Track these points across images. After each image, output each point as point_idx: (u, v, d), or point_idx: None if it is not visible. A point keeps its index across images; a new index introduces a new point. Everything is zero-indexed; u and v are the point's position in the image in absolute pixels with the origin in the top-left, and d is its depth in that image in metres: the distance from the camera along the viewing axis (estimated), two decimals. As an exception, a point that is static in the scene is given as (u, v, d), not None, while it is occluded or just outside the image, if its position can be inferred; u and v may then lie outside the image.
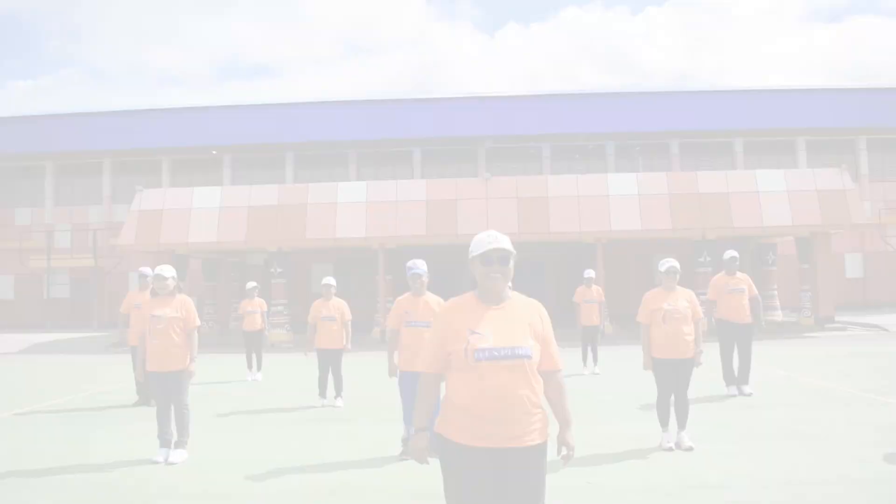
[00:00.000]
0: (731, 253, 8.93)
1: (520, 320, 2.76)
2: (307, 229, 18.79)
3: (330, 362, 8.24)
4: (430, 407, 2.84)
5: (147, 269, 8.59)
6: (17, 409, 8.50)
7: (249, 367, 11.02)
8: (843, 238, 25.65)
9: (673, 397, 5.81)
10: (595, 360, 10.71)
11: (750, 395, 8.37)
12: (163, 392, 5.71)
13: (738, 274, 8.87)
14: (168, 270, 5.83)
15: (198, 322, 5.85)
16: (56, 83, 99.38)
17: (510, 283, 2.93)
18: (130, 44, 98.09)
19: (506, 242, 2.80)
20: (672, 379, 5.76)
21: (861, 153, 26.94)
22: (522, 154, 27.32)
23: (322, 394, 8.33)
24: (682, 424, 5.77)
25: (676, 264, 5.92)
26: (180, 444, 5.72)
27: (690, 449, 5.60)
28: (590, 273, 10.93)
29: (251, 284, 11.22)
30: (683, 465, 5.22)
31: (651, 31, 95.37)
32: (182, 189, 20.67)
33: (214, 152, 27.48)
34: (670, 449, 5.63)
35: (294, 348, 17.90)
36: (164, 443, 5.71)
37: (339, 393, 8.29)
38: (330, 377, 8.34)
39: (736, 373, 8.67)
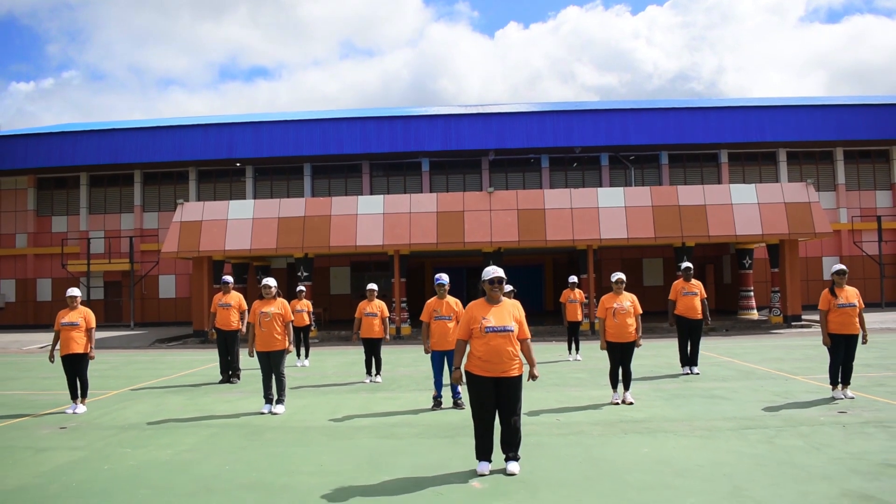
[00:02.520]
0: (686, 264, 11.30)
1: (508, 312, 5.30)
2: (331, 238, 21.22)
3: (372, 348, 10.69)
4: (461, 356, 5.37)
5: (228, 278, 11.19)
6: (130, 387, 10.97)
7: (298, 355, 13.54)
8: (822, 243, 27.96)
9: (620, 369, 8.26)
10: (577, 348, 13.21)
11: (697, 374, 10.75)
12: (267, 365, 8.20)
13: (692, 280, 11.24)
14: (272, 281, 8.34)
15: (292, 317, 8.34)
16: (57, 85, 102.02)
17: (514, 289, 5.55)
18: (130, 47, 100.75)
19: (501, 272, 5.33)
20: (620, 356, 8.21)
21: (838, 164, 29.08)
22: (523, 164, 29.74)
23: (368, 372, 10.80)
24: (626, 387, 8.24)
25: (622, 276, 8.42)
26: (280, 401, 8.24)
27: (631, 404, 8.05)
28: (573, 279, 13.42)
29: (300, 288, 13.70)
30: (622, 411, 7.72)
31: (651, 30, 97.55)
32: (219, 202, 23.07)
33: (238, 164, 29.87)
34: (617, 403, 8.11)
35: (320, 343, 20.38)
36: (268, 400, 8.22)
37: (378, 371, 10.78)
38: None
39: (689, 356, 11.06)
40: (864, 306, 8.45)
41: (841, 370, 8.24)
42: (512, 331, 5.27)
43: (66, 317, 8.71)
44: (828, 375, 8.39)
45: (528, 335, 5.43)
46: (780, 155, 28.97)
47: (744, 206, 21.15)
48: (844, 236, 28.31)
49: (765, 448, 5.86)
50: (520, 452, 5.42)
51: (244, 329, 11.03)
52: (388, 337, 10.71)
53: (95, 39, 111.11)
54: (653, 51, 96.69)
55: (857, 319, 8.25)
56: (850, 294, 8.34)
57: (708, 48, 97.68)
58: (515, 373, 5.29)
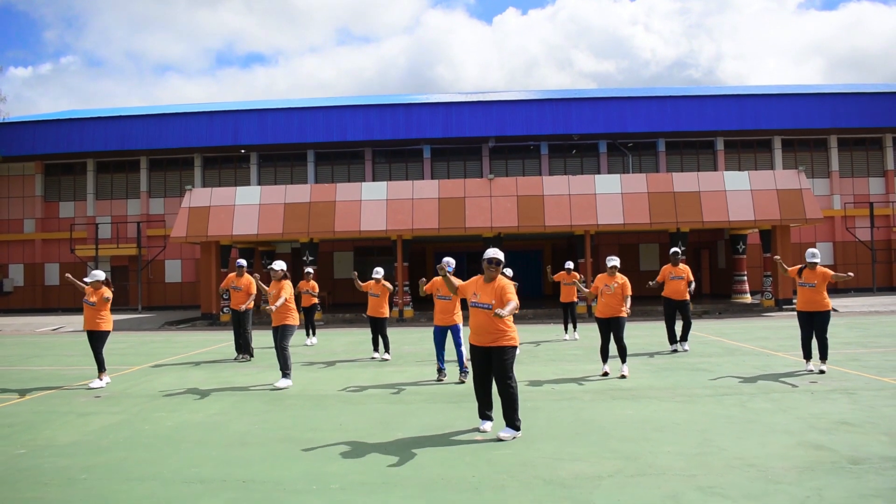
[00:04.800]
0: (674, 249, 11.94)
1: (493, 290, 5.89)
2: (335, 223, 21.85)
3: (376, 327, 11.35)
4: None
5: (242, 261, 11.80)
6: (150, 363, 11.64)
7: (307, 334, 14.19)
8: (816, 229, 28.56)
9: (613, 343, 8.93)
10: (574, 327, 13.92)
11: (686, 351, 11.41)
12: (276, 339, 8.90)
13: (680, 265, 11.87)
14: (280, 265, 8.98)
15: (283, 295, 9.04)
16: (55, 71, 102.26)
17: (511, 272, 6.12)
18: (127, 33, 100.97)
19: (496, 254, 5.98)
20: (608, 330, 8.90)
21: (832, 151, 29.58)
22: (522, 151, 30.29)
23: (375, 349, 11.51)
24: (622, 360, 8.91)
25: (617, 263, 9.06)
26: (284, 375, 8.79)
27: (624, 377, 8.69)
28: (569, 264, 14.08)
29: (308, 270, 14.34)
30: (612, 381, 8.43)
31: (649, 17, 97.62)
32: (226, 188, 23.66)
33: (243, 150, 30.40)
34: (606, 374, 8.78)
35: (325, 325, 21.05)
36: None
37: (387, 349, 11.43)
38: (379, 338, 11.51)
39: (679, 334, 11.70)
40: (833, 281, 8.95)
41: (817, 347, 8.84)
42: (489, 308, 5.83)
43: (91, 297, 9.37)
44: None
45: (507, 300, 5.77)
46: (775, 142, 29.49)
47: (737, 193, 21.76)
48: (837, 222, 28.89)
49: (737, 410, 6.54)
50: (519, 423, 5.85)
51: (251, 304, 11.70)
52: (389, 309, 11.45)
53: (92, 25, 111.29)
54: (651, 37, 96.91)
55: (821, 297, 8.81)
56: (815, 275, 8.90)
57: (705, 35, 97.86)
58: (503, 343, 5.83)
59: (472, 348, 5.99)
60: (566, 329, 14.06)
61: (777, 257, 9.63)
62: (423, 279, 8.70)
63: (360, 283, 11.74)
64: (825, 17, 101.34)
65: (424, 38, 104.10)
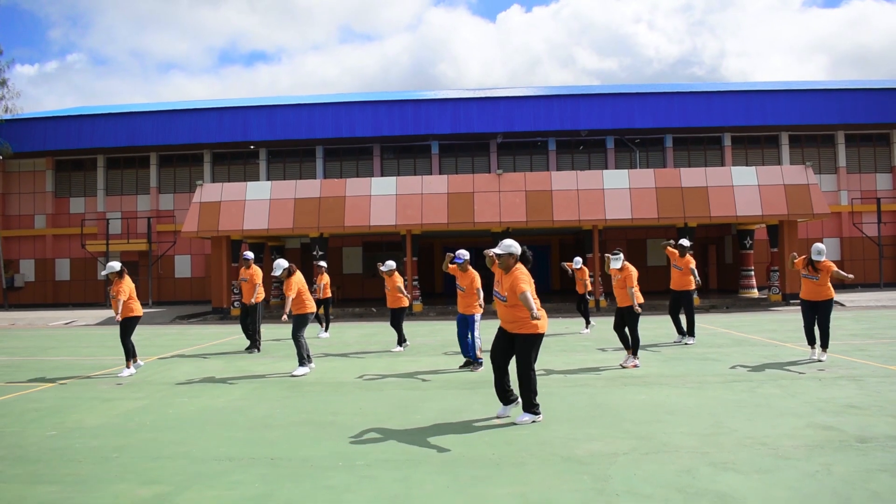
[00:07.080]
0: (683, 240, 12.03)
1: (508, 282, 5.94)
2: (345, 218, 22.03)
3: (392, 317, 11.51)
4: None
5: (249, 254, 12.01)
6: (159, 355, 11.85)
7: (321, 325, 14.38)
8: (823, 224, 28.59)
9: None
10: (586, 322, 14.04)
11: (690, 344, 11.49)
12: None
13: (687, 256, 11.96)
14: (283, 262, 9.14)
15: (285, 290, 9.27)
16: (61, 69, 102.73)
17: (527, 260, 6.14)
18: (131, 31, 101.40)
19: (499, 248, 6.02)
20: (621, 318, 9.07)
21: (839, 147, 29.61)
22: (530, 147, 30.41)
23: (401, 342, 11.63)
24: (630, 350, 9.03)
25: (609, 255, 9.24)
26: (301, 364, 9.00)
27: (623, 367, 8.82)
28: (578, 260, 14.23)
29: (321, 264, 14.53)
30: (622, 371, 8.52)
31: (653, 14, 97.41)
32: (237, 183, 23.86)
33: (252, 147, 30.62)
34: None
35: (335, 319, 21.23)
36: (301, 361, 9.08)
37: (399, 343, 11.55)
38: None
39: (685, 327, 11.81)
40: (831, 270, 9.00)
41: (819, 336, 8.98)
42: (505, 300, 5.96)
43: None
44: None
45: (519, 291, 5.82)
46: (782, 138, 29.53)
47: (744, 188, 21.84)
48: (845, 218, 28.92)
49: (747, 395, 6.69)
50: (537, 409, 5.92)
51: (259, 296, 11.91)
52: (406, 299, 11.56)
53: (97, 24, 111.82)
54: (654, 35, 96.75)
55: (824, 287, 8.94)
56: (820, 266, 9.00)
57: (708, 33, 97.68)
58: (525, 331, 5.89)
59: (499, 328, 6.12)
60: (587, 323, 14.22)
61: (794, 254, 9.70)
62: (450, 253, 9.13)
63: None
64: (828, 14, 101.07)
65: (427, 36, 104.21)
